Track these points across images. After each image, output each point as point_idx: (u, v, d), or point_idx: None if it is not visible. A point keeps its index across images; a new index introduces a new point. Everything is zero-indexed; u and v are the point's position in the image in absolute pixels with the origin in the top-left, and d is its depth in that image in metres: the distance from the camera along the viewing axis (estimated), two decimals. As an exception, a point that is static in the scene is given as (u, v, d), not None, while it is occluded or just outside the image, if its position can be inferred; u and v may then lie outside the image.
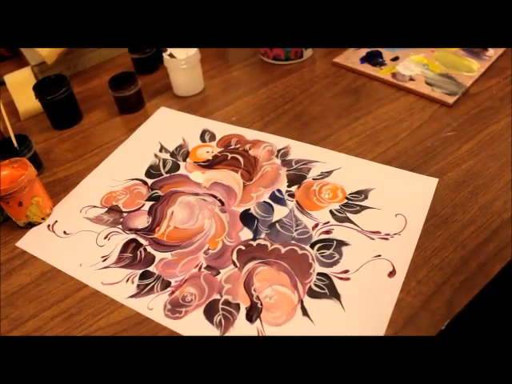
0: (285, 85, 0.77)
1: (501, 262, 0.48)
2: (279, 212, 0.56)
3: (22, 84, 0.81)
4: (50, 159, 0.70)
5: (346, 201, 0.56)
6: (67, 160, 0.69)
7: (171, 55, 0.74)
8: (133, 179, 0.64)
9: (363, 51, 0.80)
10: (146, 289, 0.51)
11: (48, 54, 0.78)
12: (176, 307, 0.49)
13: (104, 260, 0.54)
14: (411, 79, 0.73)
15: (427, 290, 0.47)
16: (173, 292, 0.50)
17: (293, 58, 0.81)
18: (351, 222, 0.54)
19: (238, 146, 0.66)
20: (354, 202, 0.56)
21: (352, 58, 0.79)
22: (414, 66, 0.75)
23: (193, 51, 0.74)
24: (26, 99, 0.78)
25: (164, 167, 0.65)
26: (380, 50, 0.80)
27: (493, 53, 0.75)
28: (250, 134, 0.68)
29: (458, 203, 0.54)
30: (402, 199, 0.55)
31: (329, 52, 0.82)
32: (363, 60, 0.78)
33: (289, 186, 0.59)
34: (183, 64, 0.74)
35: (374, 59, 0.78)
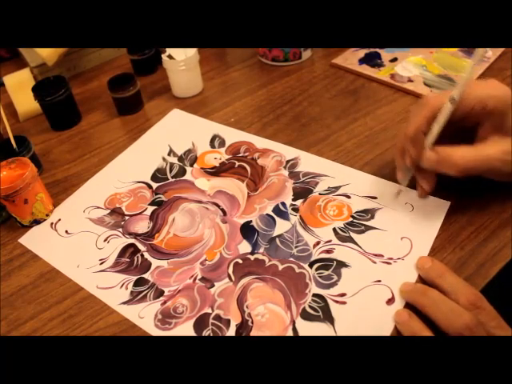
0: (283, 86, 0.77)
1: (500, 262, 0.48)
2: (281, 226, 0.55)
3: (21, 85, 0.81)
4: (48, 160, 0.70)
5: (351, 219, 0.54)
6: (66, 161, 0.69)
7: (170, 56, 0.74)
8: (138, 182, 0.64)
9: (362, 52, 0.81)
10: (139, 296, 0.50)
11: (48, 55, 0.78)
12: (167, 318, 0.48)
13: (101, 263, 0.54)
14: (410, 80, 0.73)
15: (426, 291, 0.46)
16: (165, 302, 0.49)
17: (291, 59, 0.81)
18: (354, 242, 0.52)
19: (246, 154, 0.65)
20: (360, 221, 0.54)
21: (350, 59, 0.79)
22: (412, 67, 0.75)
23: (192, 52, 0.74)
24: (25, 100, 0.78)
25: (170, 171, 0.65)
26: (378, 51, 0.80)
27: (491, 54, 0.75)
28: (259, 141, 0.67)
29: (458, 203, 0.54)
30: (410, 221, 0.53)
31: (327, 53, 0.82)
32: (362, 61, 0.79)
33: (294, 200, 0.58)
34: (182, 65, 0.74)
35: (372, 60, 0.78)
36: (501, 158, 0.47)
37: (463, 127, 0.50)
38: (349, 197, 0.57)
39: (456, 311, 0.41)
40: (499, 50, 0.76)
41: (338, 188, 0.58)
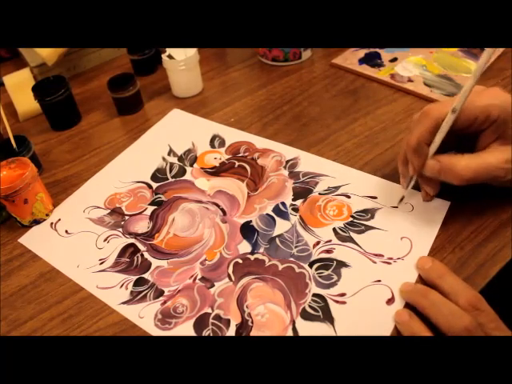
0: (283, 86, 0.77)
1: (499, 262, 0.48)
2: (281, 226, 0.55)
3: (20, 85, 0.81)
4: (48, 160, 0.70)
5: (351, 219, 0.54)
6: (66, 161, 0.69)
7: (170, 56, 0.74)
8: (138, 182, 0.64)
9: (362, 52, 0.81)
10: (139, 296, 0.50)
11: (48, 54, 0.78)
12: (166, 318, 0.48)
13: (101, 263, 0.54)
14: (410, 80, 0.73)
15: (426, 291, 0.47)
16: (165, 302, 0.49)
17: (291, 59, 0.81)
18: (354, 242, 0.52)
19: (246, 154, 0.65)
20: (360, 221, 0.54)
21: (350, 59, 0.79)
22: (412, 67, 0.75)
23: (192, 52, 0.74)
24: (24, 100, 0.78)
25: (170, 171, 0.65)
26: (378, 51, 0.80)
27: (491, 54, 0.75)
28: (259, 141, 0.67)
29: (457, 204, 0.54)
30: (410, 221, 0.53)
31: (327, 53, 0.83)
32: (362, 61, 0.79)
33: (294, 200, 0.58)
34: (182, 65, 0.74)
35: (372, 60, 0.78)
36: (503, 167, 0.47)
37: (465, 135, 0.50)
38: (349, 197, 0.57)
39: (456, 314, 0.41)
40: (499, 50, 0.76)
41: (337, 188, 0.58)
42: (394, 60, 0.78)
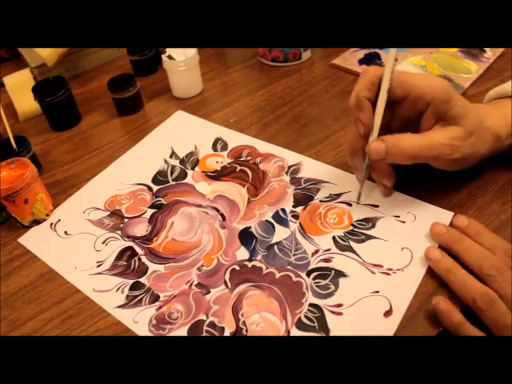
0: (283, 86, 0.77)
1: (499, 263, 0.48)
2: (280, 233, 0.54)
3: (20, 85, 0.81)
4: (48, 161, 0.70)
5: (351, 228, 0.53)
6: (66, 162, 0.69)
7: (170, 57, 0.74)
8: (139, 184, 0.64)
9: (361, 53, 0.81)
10: (135, 300, 0.50)
11: (48, 55, 0.78)
12: (161, 323, 0.47)
13: (98, 266, 0.54)
14: (409, 81, 0.73)
15: (425, 291, 0.46)
16: (160, 307, 0.49)
17: (291, 59, 0.81)
18: (353, 251, 0.51)
19: (248, 159, 0.64)
20: (360, 230, 0.53)
21: (350, 59, 0.79)
22: (412, 67, 0.75)
23: (191, 53, 0.74)
24: (24, 101, 0.78)
25: (171, 174, 0.64)
26: (378, 51, 0.80)
27: (491, 54, 0.75)
28: (262, 146, 0.66)
29: (456, 204, 0.54)
30: (411, 232, 0.51)
31: (327, 54, 0.83)
32: (361, 62, 0.79)
33: (294, 206, 0.57)
34: (182, 66, 0.74)
35: (372, 61, 0.78)
36: (449, 143, 0.48)
37: (407, 120, 0.51)
38: (350, 204, 0.56)
39: (487, 256, 0.45)
40: (499, 50, 0.76)
41: (339, 195, 0.57)
42: (394, 61, 0.77)
